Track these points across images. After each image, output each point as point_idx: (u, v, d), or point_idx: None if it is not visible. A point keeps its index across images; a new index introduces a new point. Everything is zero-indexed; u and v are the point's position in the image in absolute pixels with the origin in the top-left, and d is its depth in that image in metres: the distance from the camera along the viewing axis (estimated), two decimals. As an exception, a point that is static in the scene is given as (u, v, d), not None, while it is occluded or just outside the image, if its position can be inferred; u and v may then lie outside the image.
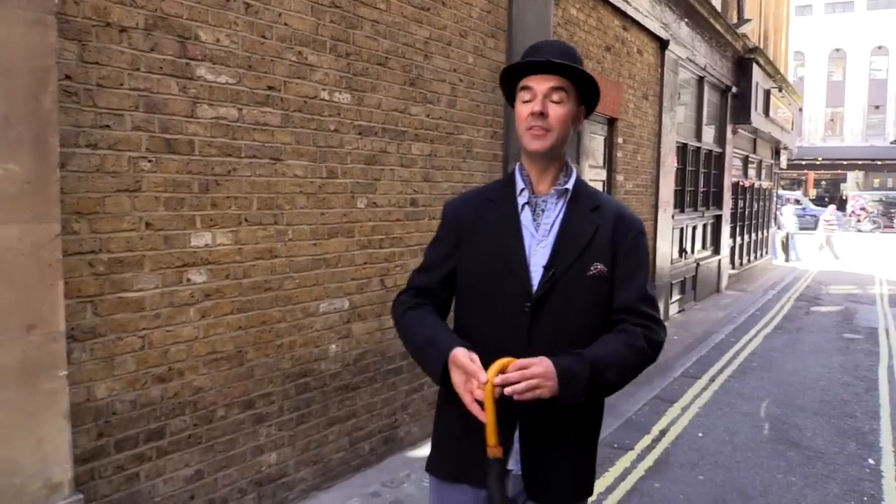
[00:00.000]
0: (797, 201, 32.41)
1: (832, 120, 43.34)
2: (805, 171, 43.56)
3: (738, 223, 14.55)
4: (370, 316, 4.30)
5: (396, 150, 4.41)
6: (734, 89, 12.68)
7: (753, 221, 16.07)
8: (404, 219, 4.51)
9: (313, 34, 3.78)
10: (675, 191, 10.11)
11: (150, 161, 3.04)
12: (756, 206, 16.31)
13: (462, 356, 1.66)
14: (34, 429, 2.54)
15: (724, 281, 12.92)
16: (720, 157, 12.48)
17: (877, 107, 41.54)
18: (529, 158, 1.85)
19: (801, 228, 20.66)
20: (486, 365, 1.65)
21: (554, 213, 1.83)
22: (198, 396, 3.32)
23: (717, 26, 10.82)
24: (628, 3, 7.78)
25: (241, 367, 3.52)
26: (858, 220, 33.57)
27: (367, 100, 4.15)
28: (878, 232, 32.35)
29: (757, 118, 13.40)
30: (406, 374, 4.60)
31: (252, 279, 3.54)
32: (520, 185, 1.86)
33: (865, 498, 4.29)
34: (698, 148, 11.22)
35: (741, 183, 14.56)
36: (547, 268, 1.77)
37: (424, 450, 1.98)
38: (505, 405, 1.64)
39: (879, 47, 41.30)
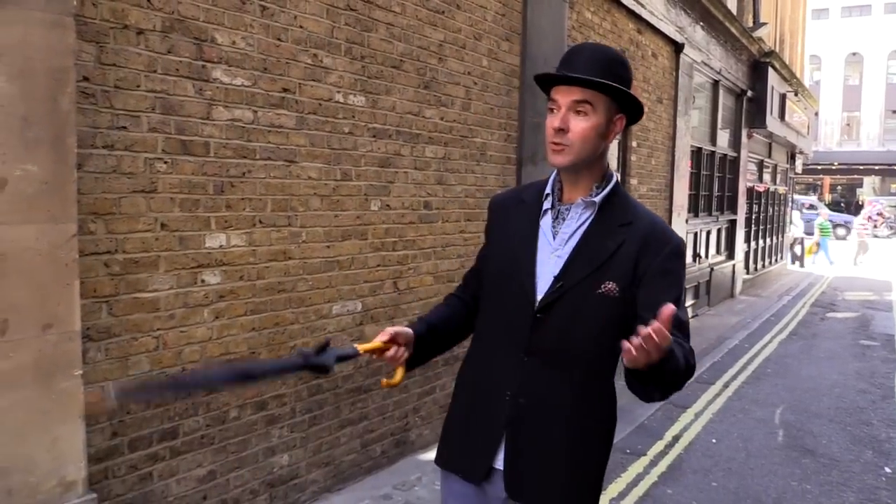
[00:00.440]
0: (812, 206, 32.18)
1: (848, 124, 43.03)
2: (821, 176, 43.29)
3: (753, 228, 14.45)
4: (383, 318, 4.30)
5: (410, 152, 4.41)
6: (749, 93, 12.61)
7: (768, 226, 15.96)
8: (418, 221, 4.51)
9: (328, 37, 3.79)
10: (690, 195, 10.06)
11: (165, 162, 3.06)
12: (771, 210, 16.19)
13: (398, 333, 1.81)
14: (49, 427, 2.56)
15: (739, 286, 12.84)
16: (735, 162, 12.40)
17: (894, 111, 41.18)
18: (559, 169, 1.81)
19: (810, 233, 20.48)
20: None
21: (575, 223, 1.78)
22: (211, 397, 3.33)
23: (733, 30, 10.77)
24: (643, 6, 7.76)
25: (254, 369, 3.52)
26: (875, 226, 33.28)
27: (381, 102, 4.16)
28: (896, 238, 32.05)
29: (772, 122, 13.32)
30: (418, 377, 4.60)
31: (266, 281, 3.55)
32: (547, 189, 1.84)
33: (882, 507, 4.24)
34: (713, 152, 11.16)
35: (756, 187, 14.47)
36: (556, 278, 1.74)
37: (435, 453, 2.00)
38: (503, 385, 1.75)
39: (897, 51, 40.97)
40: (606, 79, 1.69)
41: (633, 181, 8.09)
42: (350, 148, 3.97)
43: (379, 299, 4.27)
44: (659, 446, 5.11)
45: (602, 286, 1.71)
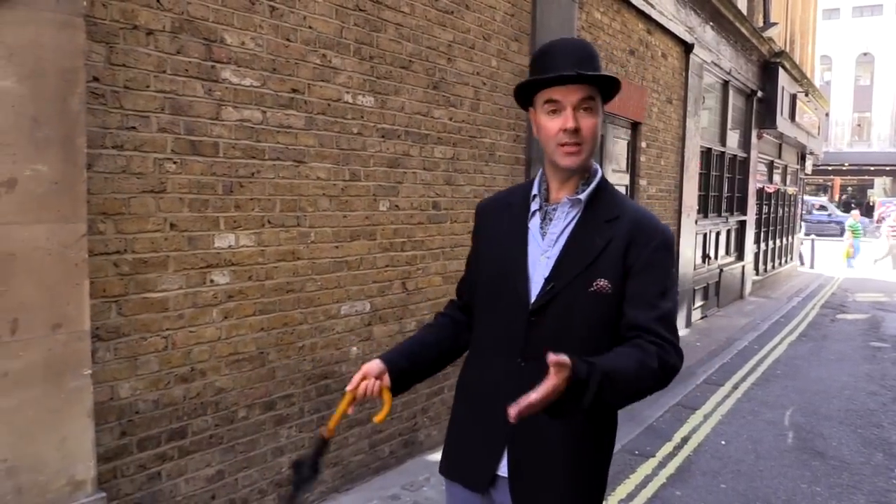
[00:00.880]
0: (822, 207, 31.99)
1: (859, 125, 42.78)
2: (831, 177, 43.07)
3: (763, 229, 14.39)
4: (391, 319, 4.30)
5: (419, 153, 4.41)
6: (759, 93, 12.55)
7: (778, 227, 15.88)
8: (426, 222, 4.51)
9: (337, 37, 3.79)
10: (699, 196, 10.02)
11: (175, 163, 3.07)
12: (781, 211, 16.12)
13: (365, 366, 1.82)
14: (58, 427, 2.57)
15: (748, 287, 12.78)
16: (745, 162, 12.35)
17: (905, 112, 40.90)
18: (554, 169, 1.77)
19: (827, 235, 20.34)
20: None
21: (563, 223, 1.76)
22: (220, 397, 3.34)
23: (743, 30, 10.72)
24: (653, 6, 7.73)
25: (262, 369, 3.53)
26: (877, 228, 33.06)
27: (390, 103, 4.16)
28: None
29: (783, 123, 13.25)
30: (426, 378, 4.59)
31: (274, 281, 3.55)
32: (534, 190, 1.81)
33: (893, 510, 4.21)
34: (723, 153, 11.11)
35: (766, 188, 14.40)
36: (548, 280, 1.72)
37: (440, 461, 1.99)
38: (501, 390, 1.73)
39: (908, 51, 40.69)
40: (599, 71, 1.71)
41: (643, 182, 8.06)
42: (359, 148, 3.97)
43: (387, 300, 4.27)
44: (667, 448, 5.09)
45: (594, 284, 1.69)
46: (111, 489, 2.89)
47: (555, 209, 1.78)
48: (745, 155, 12.31)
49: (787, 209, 16.83)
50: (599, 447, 1.82)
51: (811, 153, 18.72)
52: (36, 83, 2.45)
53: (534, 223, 1.79)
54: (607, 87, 1.74)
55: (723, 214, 11.35)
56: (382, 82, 4.10)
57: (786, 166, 16.47)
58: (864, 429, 5.63)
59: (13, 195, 2.41)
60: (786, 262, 16.87)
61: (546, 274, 1.73)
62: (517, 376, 1.73)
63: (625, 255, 1.70)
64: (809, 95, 15.92)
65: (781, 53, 12.87)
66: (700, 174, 9.98)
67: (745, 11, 10.98)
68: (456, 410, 1.93)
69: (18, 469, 2.47)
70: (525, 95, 1.78)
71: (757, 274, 13.84)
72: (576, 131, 1.68)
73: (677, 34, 8.57)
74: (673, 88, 8.75)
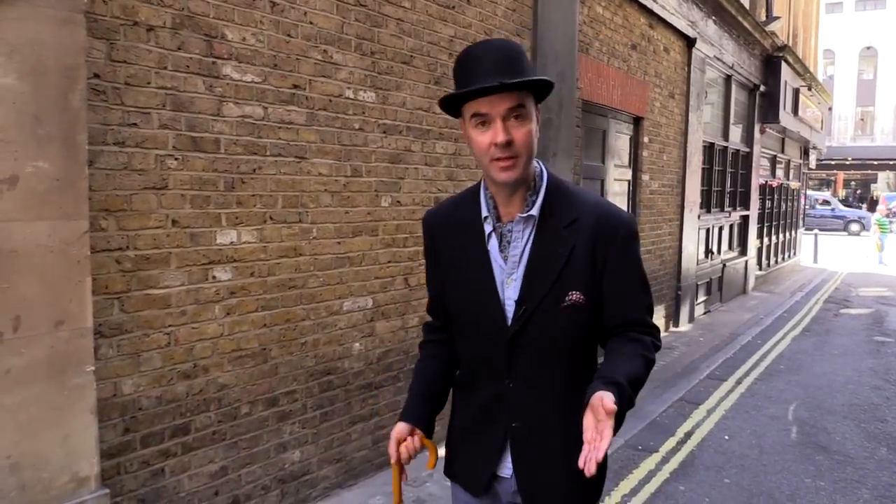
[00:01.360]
0: (826, 202, 31.91)
1: (862, 119, 42.65)
2: (834, 172, 42.94)
3: (766, 224, 14.36)
4: (394, 315, 4.30)
5: (421, 148, 4.41)
6: (762, 88, 12.51)
7: (781, 222, 15.85)
8: (428, 218, 4.50)
9: (338, 33, 3.78)
10: (702, 191, 10.01)
11: (176, 159, 3.06)
12: (784, 206, 16.08)
13: (394, 433, 1.78)
14: (62, 423, 2.57)
15: (751, 282, 12.76)
16: (748, 157, 12.32)
17: (909, 106, 40.78)
18: (495, 185, 1.67)
19: (830, 229, 20.24)
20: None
21: (521, 242, 1.68)
22: (222, 393, 3.34)
23: (746, 24, 10.68)
24: (655, 0, 7.71)
25: (265, 365, 3.53)
26: (891, 222, 32.96)
27: (391, 98, 4.15)
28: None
29: (785, 117, 13.22)
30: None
31: (277, 277, 3.55)
32: (483, 211, 1.71)
33: (897, 504, 4.20)
34: (725, 147, 11.09)
35: (769, 183, 14.37)
36: (518, 303, 1.67)
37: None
38: (493, 411, 1.75)
39: (912, 45, 40.54)
40: (525, 74, 1.57)
41: (645, 177, 8.05)
42: (360, 144, 3.97)
43: (390, 295, 4.27)
44: (671, 443, 5.08)
45: (566, 298, 1.65)
46: (115, 486, 2.89)
47: (510, 231, 1.69)
48: (747, 150, 12.28)
49: (790, 204, 16.79)
50: None
51: (814, 148, 18.66)
52: (37, 80, 2.44)
53: (493, 246, 1.71)
54: (540, 86, 1.62)
55: (725, 209, 11.32)
56: (384, 78, 4.09)
57: (789, 161, 16.43)
58: (868, 423, 5.61)
59: (15, 192, 2.40)
60: (789, 257, 16.83)
61: (515, 297, 1.68)
62: (507, 395, 1.74)
63: (592, 258, 1.66)
64: (812, 90, 15.87)
65: (784, 47, 12.83)
66: (703, 169, 9.96)
67: (747, 5, 10.94)
68: (454, 417, 1.92)
69: (22, 466, 2.47)
70: (453, 107, 1.65)
71: (760, 269, 13.82)
72: (508, 144, 1.56)
73: (679, 28, 8.54)
74: (675, 83, 8.73)
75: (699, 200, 9.81)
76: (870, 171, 43.08)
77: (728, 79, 11.01)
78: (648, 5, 7.58)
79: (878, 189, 41.44)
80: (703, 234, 10.23)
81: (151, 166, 2.97)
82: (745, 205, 12.31)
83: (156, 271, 3.02)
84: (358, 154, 3.96)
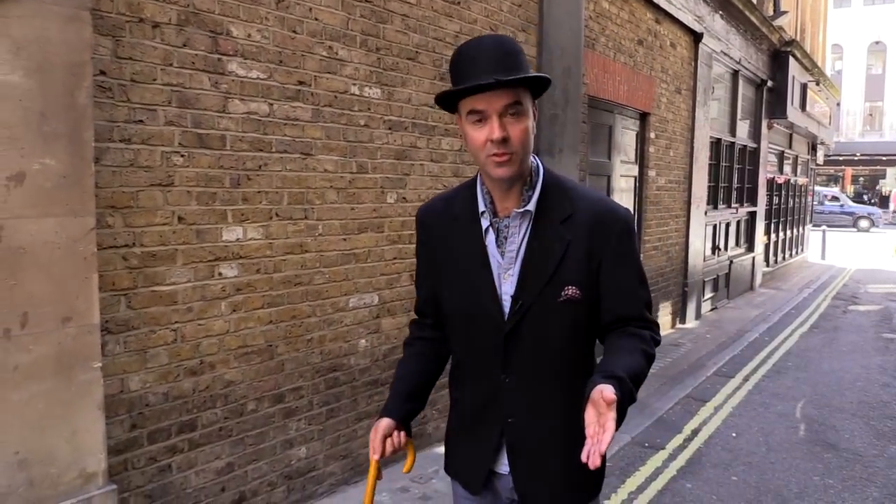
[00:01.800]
0: (835, 198, 31.75)
1: (871, 114, 42.40)
2: (842, 167, 42.72)
3: (773, 220, 14.30)
4: (399, 311, 4.30)
5: (426, 144, 4.40)
6: (770, 83, 12.45)
7: (789, 218, 15.78)
8: (434, 214, 4.49)
9: (343, 29, 3.78)
10: (709, 187, 9.97)
11: (182, 156, 3.07)
12: (792, 202, 16.01)
13: (380, 427, 1.78)
14: (69, 419, 2.58)
15: (758, 279, 12.71)
16: (755, 153, 12.26)
17: (918, 101, 40.50)
18: (491, 180, 1.66)
19: (838, 225, 20.13)
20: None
21: (518, 237, 1.68)
22: (229, 390, 3.35)
23: (753, 19, 10.63)
24: (662, -4, 7.68)
25: (271, 361, 3.54)
26: None
27: (397, 95, 4.15)
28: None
29: (793, 113, 13.15)
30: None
31: (282, 274, 3.56)
32: (481, 206, 1.71)
33: (905, 501, 4.18)
34: (732, 143, 11.04)
35: (776, 179, 14.30)
36: (515, 298, 1.67)
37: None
38: (489, 407, 1.75)
39: (921, 40, 40.26)
40: (521, 71, 1.57)
41: (652, 173, 8.02)
42: (366, 140, 3.96)
43: (395, 292, 4.27)
44: (678, 440, 5.07)
45: (563, 293, 1.65)
46: (122, 481, 2.90)
47: (506, 226, 1.70)
48: (755, 145, 12.23)
49: (797, 200, 16.71)
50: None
51: (822, 143, 18.57)
52: (43, 77, 2.45)
53: (490, 241, 1.71)
54: (537, 83, 1.63)
55: (733, 206, 11.28)
56: (389, 74, 4.08)
57: (796, 157, 16.35)
58: (877, 421, 5.59)
59: (22, 189, 2.41)
60: (797, 253, 16.77)
61: (512, 292, 1.68)
62: (503, 391, 1.73)
63: (589, 253, 1.66)
64: (820, 85, 15.78)
65: (792, 42, 12.76)
66: (709, 165, 9.92)
67: (754, 0, 10.87)
68: (451, 414, 1.93)
69: (30, 462, 2.48)
70: (449, 103, 1.66)
71: (767, 265, 13.76)
72: (504, 140, 1.56)
73: (686, 23, 8.50)
74: (682, 78, 8.69)
75: (706, 196, 9.77)
76: (878, 167, 42.83)
77: (735, 74, 10.95)
78: (655, 0, 7.54)
79: (887, 185, 41.20)
80: (709, 230, 10.19)
81: (157, 163, 2.97)
82: (753, 201, 12.26)
83: (162, 268, 3.02)
84: (363, 150, 3.96)
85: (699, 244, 9.50)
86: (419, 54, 4.28)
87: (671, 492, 4.23)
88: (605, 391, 1.43)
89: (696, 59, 9.01)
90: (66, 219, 2.53)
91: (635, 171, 7.80)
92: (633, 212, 7.71)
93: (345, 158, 3.84)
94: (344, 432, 3.99)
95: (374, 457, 1.77)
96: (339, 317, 3.90)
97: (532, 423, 1.73)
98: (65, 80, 2.50)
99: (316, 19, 3.62)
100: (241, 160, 3.31)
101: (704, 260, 9.85)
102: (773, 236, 14.34)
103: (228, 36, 3.21)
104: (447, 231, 1.78)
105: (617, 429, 1.44)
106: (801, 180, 17.11)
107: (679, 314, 9.11)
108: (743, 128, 11.69)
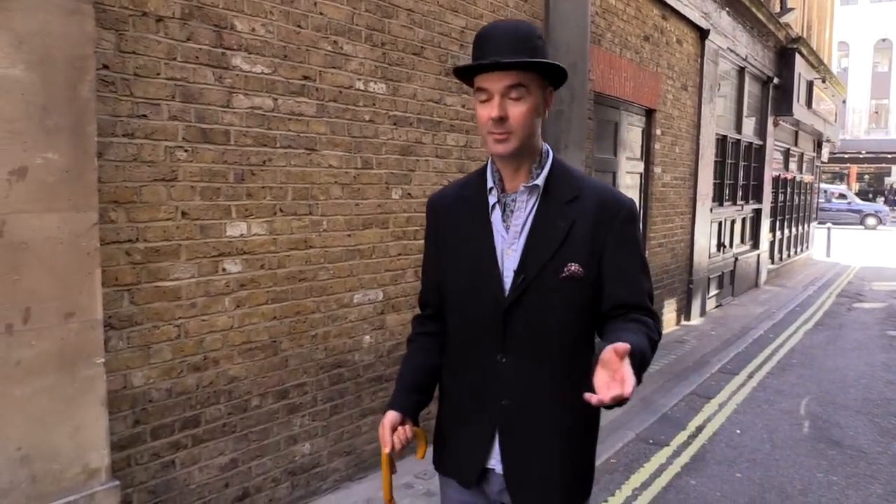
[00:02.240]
0: (842, 195, 31.63)
1: (877, 112, 42.24)
2: (848, 165, 42.58)
3: (779, 217, 14.25)
4: (404, 307, 4.28)
5: (432, 140, 4.38)
6: (776, 80, 12.39)
7: (794, 216, 15.72)
8: (438, 210, 4.47)
9: (349, 23, 3.76)
10: (714, 184, 9.93)
11: (186, 151, 3.05)
12: (797, 199, 15.95)
13: (387, 420, 1.78)
14: (72, 415, 2.57)
15: (763, 276, 12.67)
16: (761, 150, 12.21)
17: (924, 98, 40.32)
18: (500, 159, 1.72)
19: (845, 223, 20.04)
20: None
21: (524, 212, 1.71)
22: (233, 385, 3.34)
23: (760, 15, 10.58)
24: (668, -9, 7.64)
25: (275, 357, 3.53)
26: None
27: (402, 90, 4.13)
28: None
29: (799, 110, 13.09)
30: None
31: (287, 269, 3.54)
32: (489, 183, 1.75)
33: (911, 500, 4.16)
34: (738, 140, 10.99)
35: (782, 176, 14.25)
36: (517, 273, 1.68)
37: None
38: (483, 390, 1.73)
39: (928, 37, 40.07)
40: (532, 56, 1.62)
41: (657, 169, 7.99)
42: (371, 136, 3.95)
43: (400, 288, 4.25)
44: (682, 437, 5.05)
45: (565, 269, 1.66)
46: (125, 477, 2.90)
47: (513, 200, 1.73)
48: (760, 142, 12.17)
49: (803, 197, 16.65)
50: (589, 426, 1.81)
51: (828, 141, 18.49)
52: (45, 71, 2.43)
53: (496, 217, 1.74)
54: (553, 70, 1.67)
55: (738, 203, 11.23)
56: (394, 69, 4.06)
57: (802, 154, 16.28)
58: (881, 418, 5.56)
59: (24, 184, 2.40)
60: (802, 250, 16.71)
61: (514, 267, 1.69)
62: (498, 371, 1.72)
63: (593, 235, 1.67)
64: (826, 82, 15.71)
65: (798, 39, 12.70)
66: (715, 162, 9.88)
67: (761, -4, 10.82)
68: (441, 406, 1.92)
69: (33, 457, 2.47)
70: (469, 80, 1.72)
71: (772, 262, 13.72)
72: (501, 120, 1.61)
73: (692, 20, 8.46)
74: (688, 75, 8.65)
75: (711, 193, 9.73)
76: (884, 165, 42.69)
77: (741, 71, 10.90)
78: (661, -4, 7.51)
79: (893, 183, 41.04)
80: (715, 227, 10.16)
81: (161, 158, 2.96)
82: (758, 198, 12.21)
83: (166, 263, 3.01)
84: (368, 146, 3.94)
85: (704, 241, 9.47)
86: (424, 49, 4.26)
87: (675, 488, 4.21)
88: (616, 345, 1.39)
89: (702, 56, 8.96)
90: (69, 214, 2.52)
91: (641, 167, 7.77)
92: (638, 209, 7.69)
93: (349, 154, 3.83)
94: (348, 428, 3.98)
95: (386, 450, 1.77)
96: (343, 313, 3.88)
97: (526, 406, 1.71)
98: (67, 74, 2.49)
99: (321, 14, 3.60)
100: (245, 155, 3.29)
101: (709, 257, 9.81)
102: (778, 233, 14.29)
103: (232, 30, 3.19)
104: (456, 212, 1.82)
105: (636, 386, 1.38)
106: (807, 177, 17.04)
107: (684, 311, 9.09)
108: (749, 125, 11.64)
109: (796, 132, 15.14)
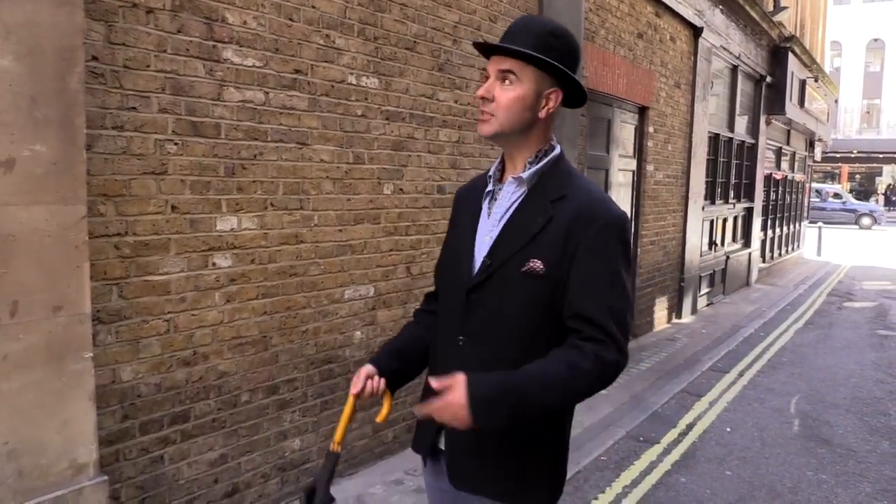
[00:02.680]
0: (837, 195, 31.73)
1: (868, 112, 42.43)
2: (839, 164, 42.77)
3: (770, 216, 14.29)
4: (395, 303, 4.27)
5: (424, 136, 4.36)
6: (769, 79, 12.42)
7: (786, 214, 15.78)
8: (431, 206, 4.47)
9: (341, 17, 3.74)
10: (707, 182, 9.95)
11: (176, 144, 3.03)
12: (789, 198, 16.01)
13: (363, 369, 1.83)
14: (60, 410, 2.55)
15: (755, 274, 12.72)
16: (753, 149, 12.25)
17: (915, 99, 40.51)
18: (497, 145, 1.81)
19: (840, 223, 20.10)
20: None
21: (507, 202, 1.74)
22: (222, 381, 3.32)
23: (753, 14, 10.59)
24: (662, -11, 7.64)
25: (265, 353, 3.51)
26: None
27: (394, 84, 4.11)
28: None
29: (791, 109, 13.13)
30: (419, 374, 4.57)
31: (277, 264, 3.53)
32: (491, 171, 1.82)
33: (899, 498, 4.18)
34: (731, 138, 11.02)
35: (774, 175, 14.29)
36: (485, 258, 1.71)
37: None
38: (443, 371, 1.72)
39: (919, 37, 40.23)
40: (536, 50, 1.63)
41: (650, 167, 7.99)
42: (363, 130, 3.93)
43: (392, 284, 4.24)
44: (672, 434, 5.07)
45: (527, 264, 1.65)
46: (113, 472, 2.88)
47: (500, 189, 1.78)
48: (753, 141, 12.21)
49: (794, 196, 16.72)
50: (547, 425, 1.73)
51: (820, 140, 18.56)
52: (34, 62, 2.40)
53: (486, 204, 1.80)
54: (564, 75, 1.69)
55: (730, 201, 11.27)
56: (387, 63, 4.05)
57: (794, 153, 16.34)
58: (870, 417, 5.59)
59: (11, 176, 2.37)
60: (793, 249, 16.78)
61: (486, 253, 1.73)
62: (457, 353, 1.74)
63: (566, 237, 1.63)
64: (819, 81, 15.76)
65: (791, 38, 12.73)
66: (707, 160, 9.90)
67: (754, -5, 10.84)
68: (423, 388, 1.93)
69: (20, 452, 2.45)
70: None
71: (763, 261, 13.77)
72: (484, 99, 1.69)
73: (686, 17, 8.47)
74: (681, 73, 8.66)
75: (703, 192, 9.75)
76: (875, 164, 42.90)
77: (734, 69, 10.92)
78: (655, -6, 7.50)
79: (884, 183, 41.26)
80: (707, 225, 10.18)
81: (151, 151, 2.94)
82: (750, 197, 12.24)
83: (155, 257, 2.99)
84: (360, 141, 3.92)
85: (696, 239, 9.49)
86: (417, 44, 4.24)
87: (665, 486, 4.22)
88: (444, 380, 1.56)
89: (695, 54, 8.97)
90: (57, 206, 2.50)
91: (633, 165, 7.78)
92: (630, 206, 7.70)
93: (341, 148, 3.81)
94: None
95: (353, 391, 1.80)
96: (334, 308, 3.87)
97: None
98: (56, 65, 2.46)
99: (313, 7, 3.58)
100: (235, 149, 3.27)
101: (701, 255, 9.84)
102: (769, 232, 14.34)
103: (224, 23, 3.17)
104: (466, 199, 1.89)
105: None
106: (799, 177, 17.10)
107: (675, 309, 9.11)
108: (741, 123, 11.67)
109: (788, 131, 15.19)
